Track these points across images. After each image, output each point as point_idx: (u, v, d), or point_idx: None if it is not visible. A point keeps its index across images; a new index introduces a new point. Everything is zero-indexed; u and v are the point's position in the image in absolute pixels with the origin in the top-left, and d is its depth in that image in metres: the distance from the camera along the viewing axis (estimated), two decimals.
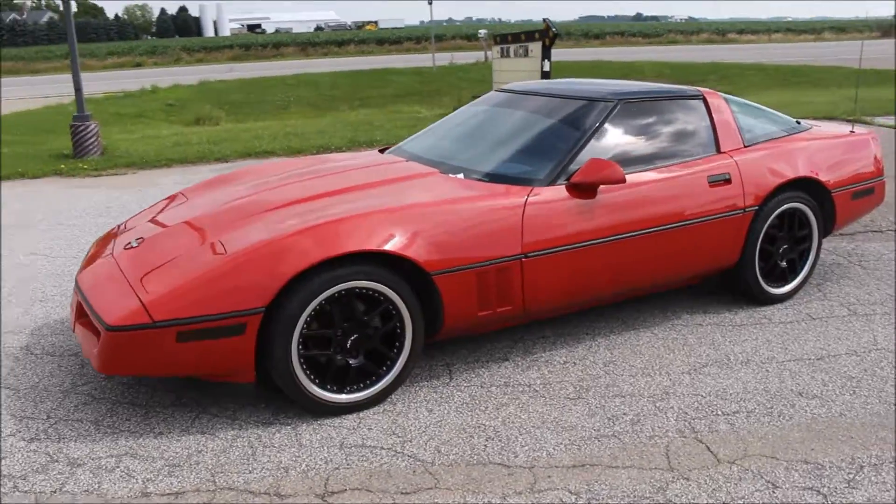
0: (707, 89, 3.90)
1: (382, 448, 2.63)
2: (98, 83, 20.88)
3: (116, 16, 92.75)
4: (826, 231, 4.05)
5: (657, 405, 2.87)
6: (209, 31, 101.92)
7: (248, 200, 3.30)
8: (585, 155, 3.27)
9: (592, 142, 3.33)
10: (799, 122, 4.18)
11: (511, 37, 12.61)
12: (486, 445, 2.63)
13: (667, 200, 3.35)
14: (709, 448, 2.58)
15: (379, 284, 2.77)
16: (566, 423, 2.76)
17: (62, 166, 8.18)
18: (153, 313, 2.59)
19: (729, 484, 2.37)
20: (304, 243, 2.67)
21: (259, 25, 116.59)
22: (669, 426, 2.72)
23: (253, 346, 2.65)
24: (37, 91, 19.78)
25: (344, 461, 2.56)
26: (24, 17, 71.06)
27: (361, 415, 2.86)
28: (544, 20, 11.88)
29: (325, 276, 2.67)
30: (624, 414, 2.81)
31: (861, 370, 3.13)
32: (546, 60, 11.38)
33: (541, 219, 3.05)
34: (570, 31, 49.50)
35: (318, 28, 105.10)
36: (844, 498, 2.29)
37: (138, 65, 35.71)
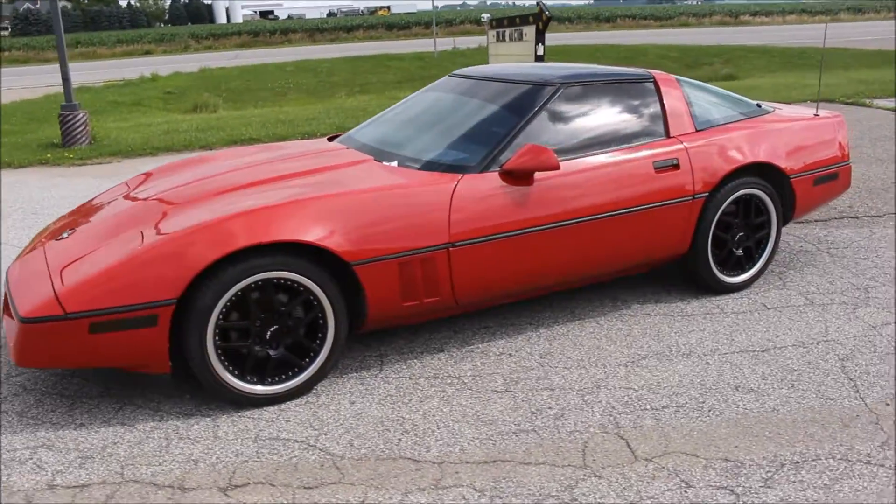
0: (660, 72, 3.78)
1: (296, 441, 2.58)
2: (102, 72, 20.97)
3: (129, 4, 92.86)
4: (786, 218, 3.93)
5: (585, 399, 2.79)
6: (222, 19, 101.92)
7: (179, 191, 3.24)
8: (525, 140, 3.18)
9: (532, 127, 3.23)
10: (760, 106, 4.05)
11: (507, 20, 12.44)
12: (400, 439, 2.57)
13: (609, 187, 3.25)
14: (629, 444, 2.50)
15: (297, 275, 2.70)
16: (487, 416, 2.69)
17: (48, 155, 8.19)
18: (65, 304, 2.55)
19: (641, 482, 2.29)
20: (213, 236, 2.61)
21: (272, 12, 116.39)
22: (593, 421, 2.64)
23: (166, 338, 2.61)
24: (42, 80, 19.84)
25: (255, 454, 2.51)
26: (38, 6, 71.42)
27: (283, 407, 2.81)
28: (538, 3, 11.69)
29: (239, 266, 2.62)
30: (549, 408, 2.74)
31: (805, 363, 3.03)
32: (540, 44, 11.21)
33: (469, 207, 2.96)
34: (581, 15, 48.90)
35: (331, 14, 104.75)
36: (758, 498, 2.21)
37: (147, 52, 35.79)
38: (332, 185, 3.00)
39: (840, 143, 4.04)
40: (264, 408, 2.80)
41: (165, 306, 2.57)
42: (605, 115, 3.45)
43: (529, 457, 2.44)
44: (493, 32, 13.17)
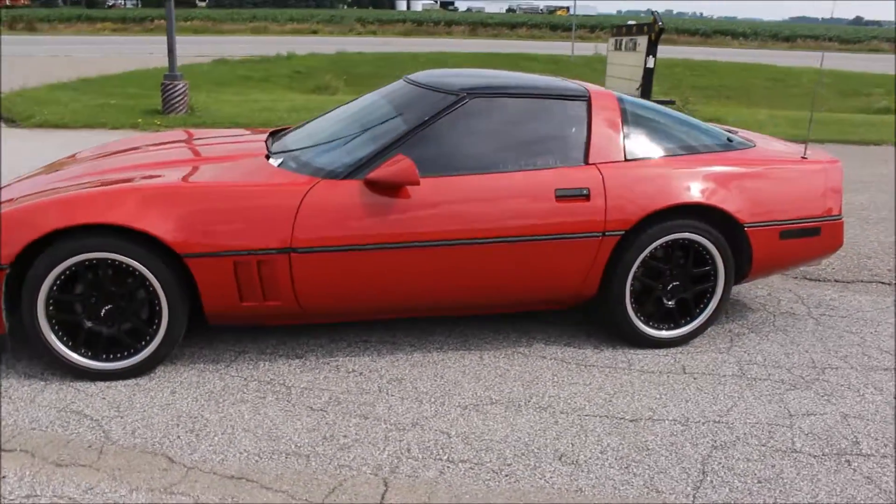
0: (603, 90, 3.39)
1: (92, 419, 2.62)
2: (251, 46, 22.36)
3: None
4: (741, 273, 3.40)
5: (389, 435, 2.58)
6: (402, 6, 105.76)
7: (86, 165, 3.39)
8: (413, 151, 2.99)
9: (421, 138, 3.03)
10: (731, 140, 3.52)
11: (625, 28, 11.83)
12: (178, 437, 2.52)
13: (492, 211, 2.97)
14: (386, 492, 2.28)
15: (130, 259, 2.73)
16: (278, 432, 2.57)
17: (139, 120, 8.93)
18: None
19: None
20: (52, 211, 2.69)
21: (452, 3, 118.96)
22: (373, 461, 2.44)
23: (0, 299, 2.74)
24: (211, 50, 21.48)
25: (47, 423, 2.57)
26: None
27: (112, 384, 2.86)
28: (652, 13, 10.99)
29: (71, 243, 2.69)
30: (344, 436, 2.57)
31: (667, 443, 2.61)
32: (651, 56, 10.54)
33: (320, 213, 2.84)
34: (775, 33, 45.29)
35: (510, 10, 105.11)
36: None
37: (314, 32, 37.92)
38: (194, 174, 3.00)
39: (828, 194, 3.42)
40: (98, 382, 2.87)
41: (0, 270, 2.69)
42: (513, 132, 3.15)
43: (276, 482, 2.30)
44: (612, 40, 12.59)
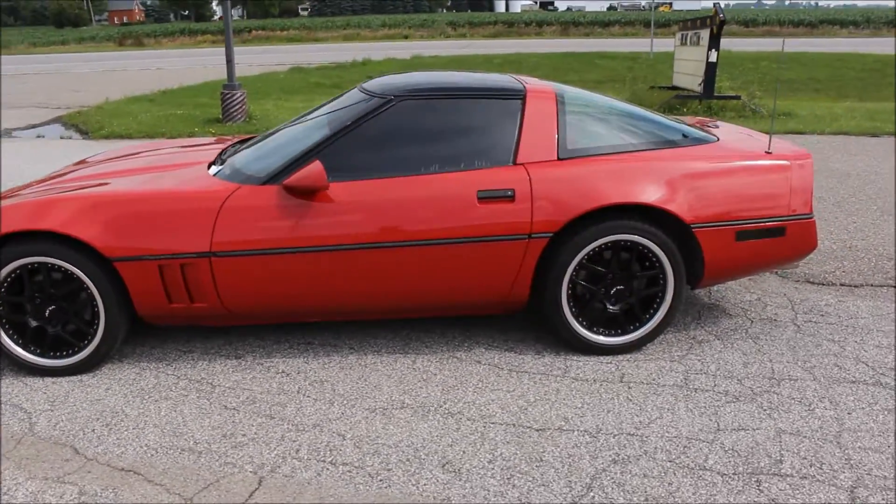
0: (544, 87, 3.28)
1: (26, 411, 2.82)
2: (338, 53, 23.09)
3: None
4: (694, 277, 3.20)
5: (286, 436, 2.62)
6: (501, 7, 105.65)
7: (65, 175, 3.65)
8: (334, 155, 3.03)
9: (346, 142, 3.06)
10: (686, 136, 3.31)
11: (690, 22, 11.30)
12: (93, 430, 2.67)
13: (405, 215, 2.95)
14: (259, 487, 2.33)
15: (66, 263, 2.92)
16: (186, 430, 2.67)
17: (196, 129, 9.44)
18: None
19: None
20: (5, 216, 2.92)
21: (552, 3, 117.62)
22: (261, 460, 2.49)
23: None
24: (302, 58, 22.37)
25: None
26: None
27: (58, 380, 3.06)
28: (714, 4, 10.43)
29: (13, 248, 2.91)
30: (243, 434, 2.64)
31: (564, 455, 2.50)
32: (713, 50, 10.03)
33: (238, 219, 2.92)
34: (891, 20, 41.79)
35: (611, 8, 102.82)
36: None
37: (405, 37, 38.64)
38: (132, 183, 3.16)
39: (794, 192, 3.15)
40: (44, 377, 3.08)
41: None
42: (440, 134, 3.11)
43: (160, 476, 2.40)
44: (678, 35, 12.07)
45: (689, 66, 11.03)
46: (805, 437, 2.59)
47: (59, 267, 2.95)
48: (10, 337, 3.04)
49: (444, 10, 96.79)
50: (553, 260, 3.05)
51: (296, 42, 34.77)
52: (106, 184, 3.22)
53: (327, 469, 2.44)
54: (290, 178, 2.91)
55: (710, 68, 9.80)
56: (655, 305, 3.17)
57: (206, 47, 34.20)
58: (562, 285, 3.07)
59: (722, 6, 10.09)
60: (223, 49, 10.20)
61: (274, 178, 3.01)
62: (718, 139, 3.39)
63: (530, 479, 2.38)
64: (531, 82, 3.34)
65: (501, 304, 3.17)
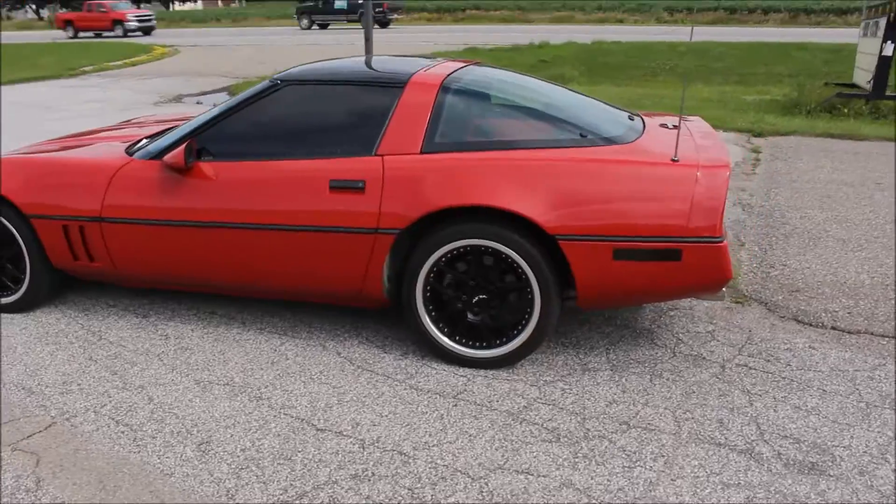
0: (433, 77, 3.04)
1: None
2: (531, 34, 22.83)
3: None
4: (569, 292, 2.80)
5: (99, 388, 2.82)
6: None
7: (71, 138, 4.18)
8: (217, 135, 3.15)
9: (228, 124, 3.16)
10: (584, 136, 2.86)
11: (873, 9, 9.57)
12: (13, 398, 2.91)
13: (261, 198, 2.96)
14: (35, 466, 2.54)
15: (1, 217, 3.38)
16: (33, 368, 2.98)
17: None
18: None
19: None
20: None
21: None
22: (50, 407, 2.71)
23: None
24: (471, 39, 22.68)
25: None
26: None
27: None
28: None
29: None
30: (62, 384, 2.87)
31: (313, 457, 2.38)
32: (889, 42, 8.39)
33: (123, 188, 3.17)
34: None
35: None
36: None
37: (620, 21, 37.14)
38: (64, 151, 3.53)
39: (696, 209, 2.61)
40: None
41: None
42: (313, 120, 3.06)
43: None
44: (863, 24, 10.26)
45: (865, 61, 9.41)
46: (591, 496, 2.20)
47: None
48: None
49: None
50: (407, 258, 2.88)
51: (508, 22, 35.06)
52: (55, 150, 3.65)
53: (108, 426, 2.59)
54: (166, 156, 3.08)
55: (883, 63, 8.24)
56: (523, 322, 2.85)
57: (421, 24, 35.82)
58: (415, 286, 2.89)
59: None
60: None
61: (160, 154, 3.20)
62: (635, 141, 2.92)
63: (257, 473, 2.32)
64: (426, 73, 3.13)
65: (357, 297, 3.06)
